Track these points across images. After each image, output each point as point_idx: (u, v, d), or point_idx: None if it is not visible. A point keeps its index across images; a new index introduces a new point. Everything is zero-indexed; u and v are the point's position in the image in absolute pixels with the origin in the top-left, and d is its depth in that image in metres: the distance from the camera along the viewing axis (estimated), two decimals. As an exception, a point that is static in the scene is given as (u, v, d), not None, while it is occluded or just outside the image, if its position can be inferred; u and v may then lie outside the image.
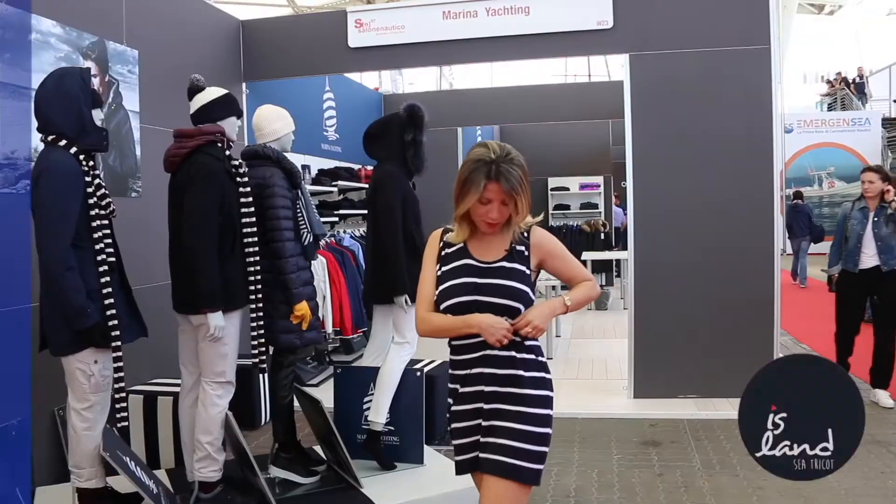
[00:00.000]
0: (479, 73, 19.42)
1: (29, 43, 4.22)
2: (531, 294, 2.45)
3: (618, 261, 11.95)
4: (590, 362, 7.48)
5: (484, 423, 2.44)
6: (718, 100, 5.76)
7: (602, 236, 12.94)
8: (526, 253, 2.48)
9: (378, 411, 4.10)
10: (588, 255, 11.16)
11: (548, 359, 7.71)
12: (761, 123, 5.70)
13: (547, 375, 2.50)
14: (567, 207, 13.88)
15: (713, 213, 5.77)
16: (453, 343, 2.51)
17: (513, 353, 2.42)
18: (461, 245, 2.52)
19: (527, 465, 2.37)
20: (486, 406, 2.43)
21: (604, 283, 12.65)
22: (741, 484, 4.27)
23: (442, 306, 2.46)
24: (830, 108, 22.39)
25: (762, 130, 5.70)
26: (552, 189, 13.81)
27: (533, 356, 2.47)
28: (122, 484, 3.43)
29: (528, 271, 2.46)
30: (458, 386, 2.50)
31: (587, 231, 12.97)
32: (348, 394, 4.30)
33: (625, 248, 6.43)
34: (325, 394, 4.24)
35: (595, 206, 13.81)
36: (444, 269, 2.50)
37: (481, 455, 2.44)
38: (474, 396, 2.45)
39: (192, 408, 3.69)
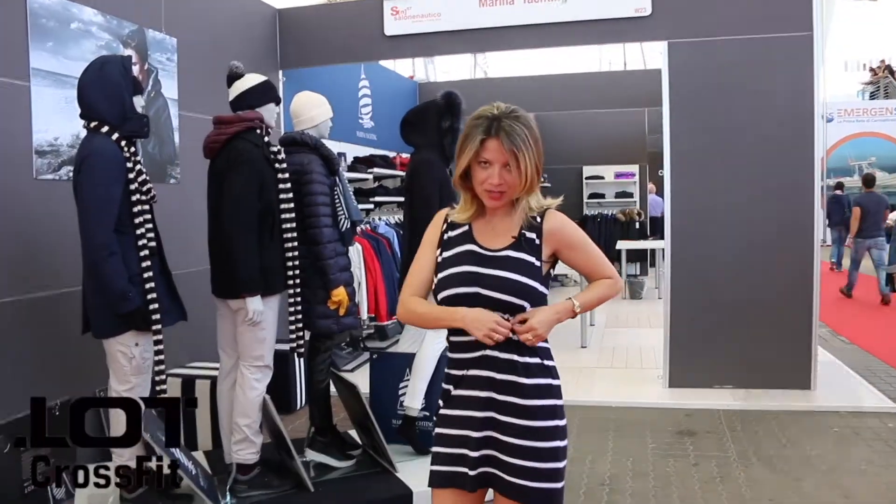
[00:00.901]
0: (513, 60, 19.28)
1: (71, 32, 4.29)
2: (541, 289, 2.11)
3: (653, 250, 11.86)
4: (624, 351, 7.44)
5: (475, 435, 2.10)
6: (758, 88, 5.64)
7: (637, 225, 12.83)
8: (537, 241, 2.13)
9: (414, 397, 4.13)
10: (623, 245, 11.09)
11: (581, 347, 7.71)
12: (802, 112, 5.59)
13: (554, 382, 2.14)
14: (602, 196, 13.78)
15: (752, 203, 5.68)
16: (451, 339, 2.19)
17: (513, 357, 2.08)
18: (466, 228, 2.20)
19: (534, 486, 2.06)
20: (478, 414, 2.11)
21: (638, 273, 12.57)
22: (777, 475, 4.23)
23: (439, 297, 2.15)
24: (873, 96, 21.89)
25: (803, 119, 5.59)
26: (587, 178, 13.72)
27: (537, 360, 2.11)
28: (162, 464, 3.50)
29: (537, 262, 2.11)
30: (451, 387, 2.17)
31: (622, 220, 12.86)
32: (384, 379, 4.34)
33: (662, 237, 6.37)
34: (359, 380, 4.27)
35: (630, 195, 13.68)
36: (444, 254, 2.19)
37: (475, 471, 2.11)
38: (467, 402, 2.13)
39: (231, 391, 3.74)
